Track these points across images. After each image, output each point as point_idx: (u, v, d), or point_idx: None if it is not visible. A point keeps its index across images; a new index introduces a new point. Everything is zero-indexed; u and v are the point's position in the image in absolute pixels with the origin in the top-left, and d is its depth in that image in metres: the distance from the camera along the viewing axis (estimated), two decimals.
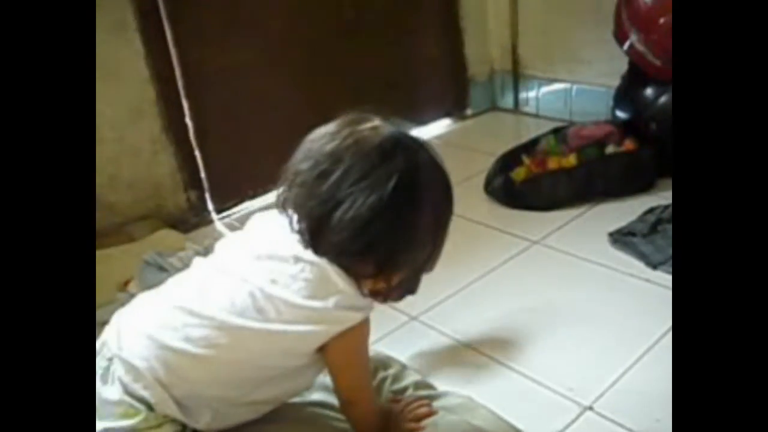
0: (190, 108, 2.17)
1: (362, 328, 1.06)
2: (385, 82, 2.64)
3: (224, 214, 2.30)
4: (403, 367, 1.37)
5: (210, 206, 2.28)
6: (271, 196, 2.34)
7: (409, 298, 1.61)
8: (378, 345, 1.50)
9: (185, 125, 2.17)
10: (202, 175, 2.24)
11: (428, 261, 1.09)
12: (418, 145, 1.06)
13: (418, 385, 1.32)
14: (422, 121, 2.83)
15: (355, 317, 1.03)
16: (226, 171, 2.30)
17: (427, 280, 1.74)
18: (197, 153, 2.22)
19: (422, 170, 1.03)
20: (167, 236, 2.04)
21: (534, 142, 2.32)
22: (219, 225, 2.27)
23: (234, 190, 2.33)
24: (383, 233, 0.99)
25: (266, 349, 1.03)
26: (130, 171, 2.10)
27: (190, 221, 2.23)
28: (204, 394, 1.05)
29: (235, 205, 2.34)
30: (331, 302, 1.01)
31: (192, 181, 2.23)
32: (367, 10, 2.54)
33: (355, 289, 1.03)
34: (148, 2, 2.05)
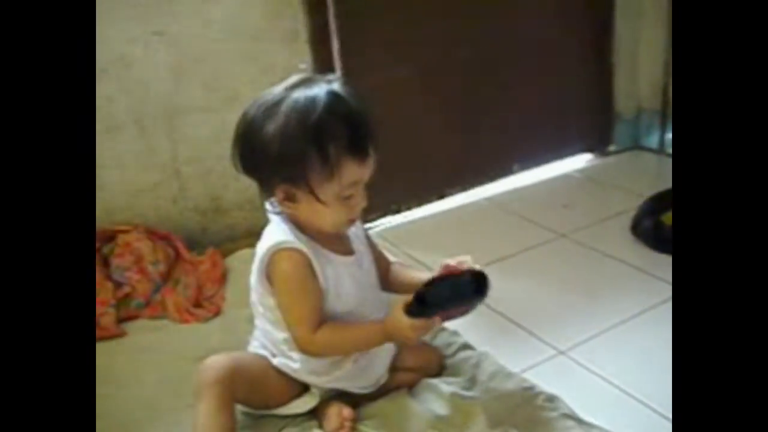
0: None
1: (283, 255, 1.25)
2: (531, 111, 2.64)
3: (366, 227, 2.34)
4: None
5: None
6: (414, 212, 2.42)
7: (557, 330, 1.63)
8: (525, 375, 1.50)
9: None
10: None
11: (298, 172, 1.20)
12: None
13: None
14: (563, 154, 2.80)
15: (269, 240, 1.26)
16: (369, 185, 2.33)
17: (574, 314, 1.73)
18: None
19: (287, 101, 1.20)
20: None
21: None
22: None
23: (376, 205, 2.37)
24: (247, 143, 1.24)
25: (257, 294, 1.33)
26: None
27: None
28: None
29: (377, 218, 2.37)
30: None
31: None
32: (521, 41, 2.55)
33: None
34: (321, 15, 2.13)
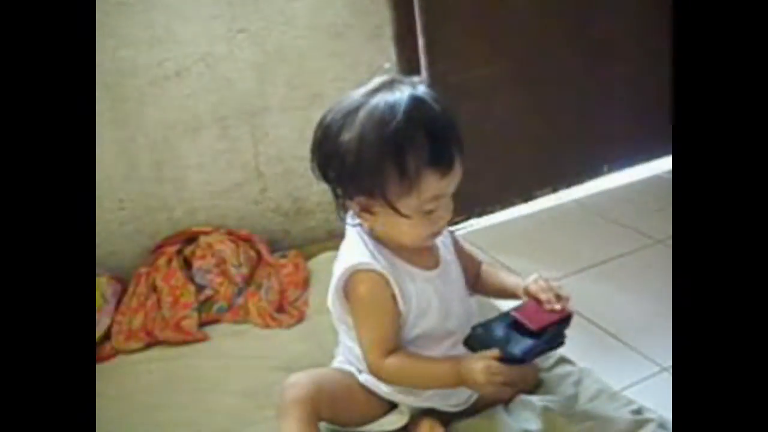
0: None
1: (359, 278, 1.18)
2: (631, 110, 2.51)
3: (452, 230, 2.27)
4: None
5: None
6: (500, 215, 2.33)
7: (659, 345, 1.53)
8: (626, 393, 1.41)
9: None
10: None
11: (379, 185, 1.12)
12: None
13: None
14: (655, 155, 2.65)
15: (345, 260, 1.21)
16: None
17: None
18: None
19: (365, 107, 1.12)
20: None
21: None
22: None
23: (460, 207, 2.29)
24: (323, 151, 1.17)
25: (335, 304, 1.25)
26: None
27: None
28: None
29: (461, 221, 2.29)
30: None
31: None
32: (617, 31, 2.42)
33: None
34: (406, 10, 2.06)
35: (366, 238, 1.22)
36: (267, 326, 1.71)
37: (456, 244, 1.38)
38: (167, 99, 1.89)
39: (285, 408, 1.21)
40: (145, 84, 1.86)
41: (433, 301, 1.24)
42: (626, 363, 1.58)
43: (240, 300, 1.78)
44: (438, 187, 1.13)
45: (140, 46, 1.83)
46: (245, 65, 1.94)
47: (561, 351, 1.48)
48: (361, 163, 1.11)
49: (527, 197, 2.42)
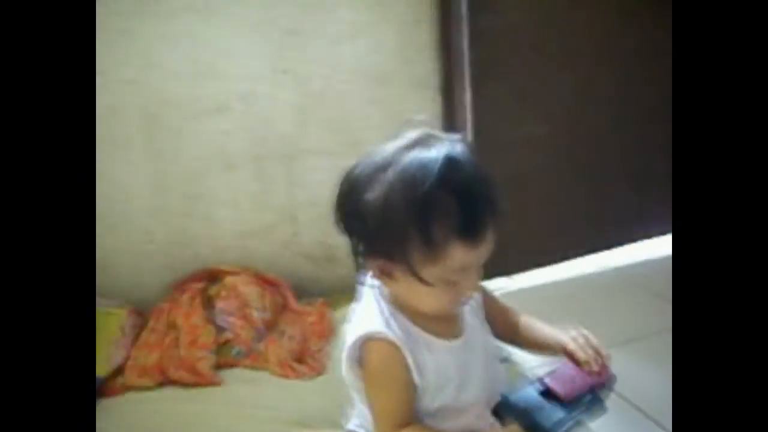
0: None
1: (372, 347, 1.09)
2: (665, 171, 2.43)
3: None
4: None
5: None
6: (532, 278, 2.24)
7: None
8: None
9: None
10: None
11: (403, 251, 1.01)
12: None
13: None
14: None
15: (358, 328, 1.09)
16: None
17: None
18: None
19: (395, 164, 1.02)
20: None
21: None
22: None
23: (494, 265, 2.22)
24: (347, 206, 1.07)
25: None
26: None
27: None
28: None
29: (491, 278, 2.21)
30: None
31: None
32: (656, 98, 2.34)
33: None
34: (455, 62, 2.03)
35: (382, 302, 1.13)
36: (285, 376, 1.64)
37: (486, 299, 1.29)
38: (205, 134, 1.87)
39: None
40: (184, 118, 1.84)
41: (452, 373, 1.16)
42: None
43: (260, 346, 1.72)
44: (466, 258, 1.02)
45: (183, 80, 1.82)
46: (286, 106, 1.91)
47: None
48: (384, 225, 1.02)
49: (561, 258, 2.34)
